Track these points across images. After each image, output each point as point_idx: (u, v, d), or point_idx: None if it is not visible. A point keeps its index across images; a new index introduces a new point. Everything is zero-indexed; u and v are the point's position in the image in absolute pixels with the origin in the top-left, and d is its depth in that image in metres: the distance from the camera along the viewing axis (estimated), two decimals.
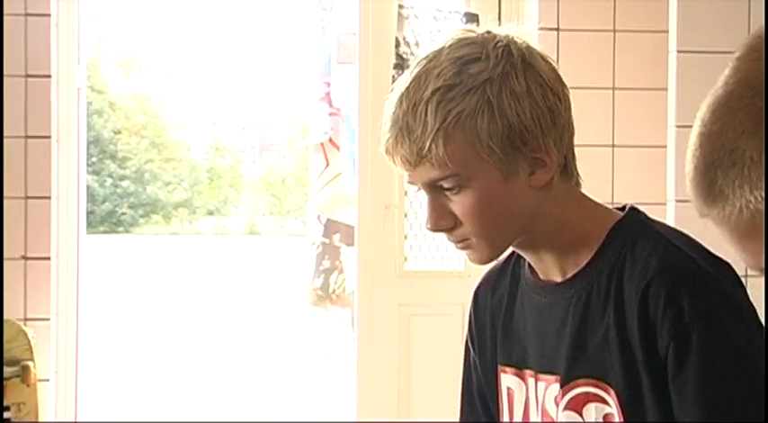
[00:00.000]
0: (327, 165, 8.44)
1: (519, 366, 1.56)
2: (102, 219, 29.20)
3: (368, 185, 4.17)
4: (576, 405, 1.47)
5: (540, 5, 3.84)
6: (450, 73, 1.41)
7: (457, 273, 4.24)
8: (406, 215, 4.22)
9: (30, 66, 3.67)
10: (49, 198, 3.71)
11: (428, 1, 4.20)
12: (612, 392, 1.43)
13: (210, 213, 32.62)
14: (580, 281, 1.48)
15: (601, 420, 1.45)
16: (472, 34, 1.47)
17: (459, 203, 1.44)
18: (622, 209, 1.55)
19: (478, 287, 1.67)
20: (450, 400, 4.48)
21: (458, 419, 1.76)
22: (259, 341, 11.11)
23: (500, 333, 1.60)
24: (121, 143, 30.59)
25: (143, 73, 33.73)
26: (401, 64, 4.10)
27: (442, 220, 1.46)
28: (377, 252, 4.19)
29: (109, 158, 30.15)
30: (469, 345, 1.69)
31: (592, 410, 1.45)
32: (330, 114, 8.35)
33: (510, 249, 1.55)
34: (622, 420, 1.42)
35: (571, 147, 1.50)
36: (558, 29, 3.82)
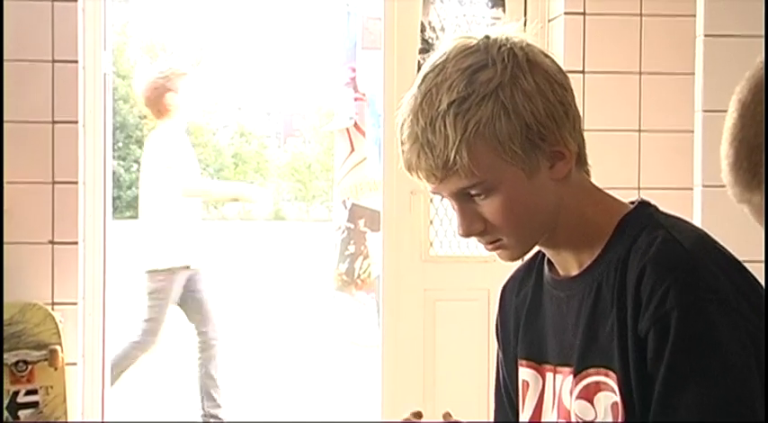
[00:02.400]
0: (352, 150, 8.42)
1: (538, 361, 1.59)
2: (128, 204, 29.31)
3: (393, 170, 4.16)
4: (588, 394, 1.48)
5: None
6: (462, 84, 1.44)
7: (482, 258, 4.23)
8: (431, 200, 4.21)
9: (56, 51, 3.68)
10: (75, 183, 3.72)
11: None
12: (616, 381, 1.45)
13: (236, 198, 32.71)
14: (591, 274, 1.51)
15: (609, 410, 1.46)
16: (472, 41, 1.49)
17: (488, 207, 1.48)
18: (632, 203, 1.57)
19: (505, 286, 1.71)
20: (474, 384, 4.50)
21: (488, 413, 1.78)
22: (284, 326, 11.14)
23: (522, 328, 1.63)
24: (147, 129, 30.69)
25: (169, 59, 33.81)
26: (426, 49, 4.09)
27: (474, 225, 1.50)
28: (402, 237, 4.19)
29: (134, 144, 30.23)
30: (497, 343, 1.72)
31: (602, 399, 1.47)
32: (355, 100, 8.33)
33: (536, 248, 1.59)
34: (623, 409, 1.43)
35: (582, 134, 1.53)
36: (584, 13, 3.81)
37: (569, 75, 1.55)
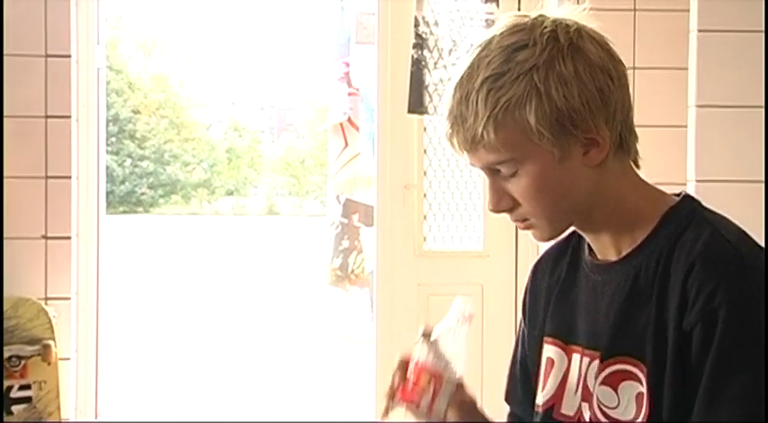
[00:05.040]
0: (346, 145, 8.42)
1: (565, 340, 1.60)
2: (122, 199, 29.28)
3: (387, 165, 4.17)
4: (613, 382, 1.49)
5: None
6: (499, 61, 1.46)
7: (476, 252, 4.24)
8: (425, 195, 4.22)
9: (50, 45, 3.67)
10: (69, 178, 3.72)
11: None
12: (645, 372, 1.45)
13: (230, 193, 32.67)
14: (631, 261, 1.52)
15: (633, 400, 1.47)
16: (524, 20, 1.51)
17: (515, 186, 1.50)
18: (677, 196, 1.58)
19: (538, 263, 1.72)
20: (468, 378, 4.47)
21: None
22: (278, 321, 11.14)
23: (552, 306, 1.64)
24: (140, 123, 30.65)
25: (162, 53, 33.76)
26: (420, 44, 4.09)
27: (502, 202, 1.52)
28: (396, 232, 4.19)
29: (128, 138, 30.21)
30: (521, 318, 1.74)
31: (627, 388, 1.48)
32: (349, 94, 8.33)
33: (571, 229, 1.59)
34: (648, 401, 1.44)
35: (627, 123, 1.53)
36: None
37: None
